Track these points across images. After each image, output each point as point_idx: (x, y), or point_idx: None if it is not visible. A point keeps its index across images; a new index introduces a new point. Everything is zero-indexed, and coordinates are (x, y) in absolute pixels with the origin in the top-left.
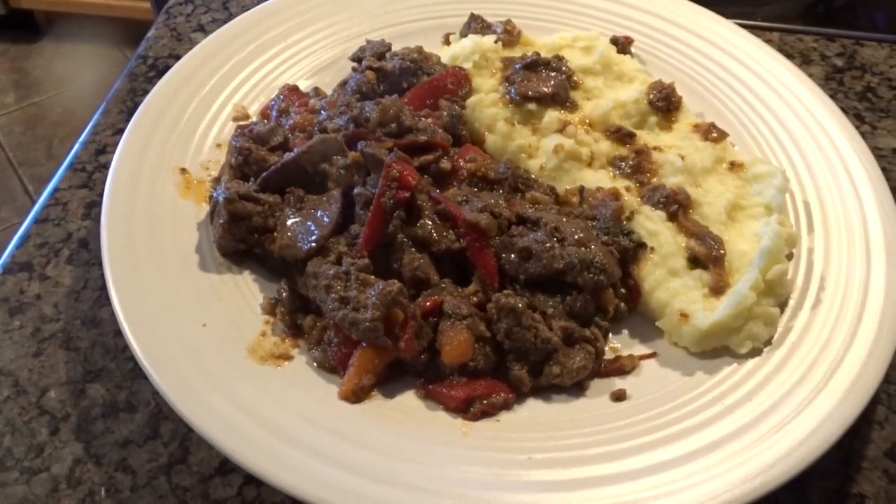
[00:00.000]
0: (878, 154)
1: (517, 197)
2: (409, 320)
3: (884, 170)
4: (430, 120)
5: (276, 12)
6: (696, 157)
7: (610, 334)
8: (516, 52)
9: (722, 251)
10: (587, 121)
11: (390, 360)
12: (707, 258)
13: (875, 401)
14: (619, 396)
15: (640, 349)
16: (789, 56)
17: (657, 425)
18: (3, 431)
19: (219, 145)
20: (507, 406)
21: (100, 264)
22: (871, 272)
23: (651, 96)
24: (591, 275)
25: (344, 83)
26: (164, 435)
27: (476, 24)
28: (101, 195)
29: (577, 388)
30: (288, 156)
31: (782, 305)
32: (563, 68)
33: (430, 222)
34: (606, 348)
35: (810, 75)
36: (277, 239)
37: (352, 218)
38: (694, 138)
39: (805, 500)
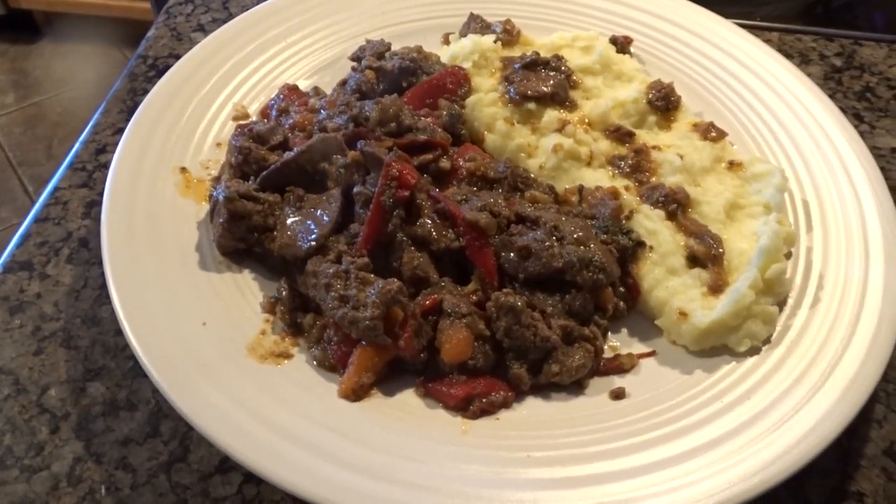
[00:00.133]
0: (877, 153)
1: (516, 196)
2: (409, 319)
3: (882, 169)
4: (429, 119)
5: (276, 12)
6: (695, 157)
7: (609, 333)
8: (516, 52)
9: (721, 250)
10: (586, 120)
11: (390, 359)
12: (706, 257)
13: (873, 399)
14: (618, 395)
15: (639, 347)
16: (788, 56)
17: (656, 423)
18: (4, 430)
19: (219, 144)
20: (506, 404)
21: (100, 263)
22: (869, 271)
23: (650, 96)
24: (591, 273)
25: (344, 83)
26: (164, 433)
27: (475, 24)
28: (101, 194)
29: (576, 387)
30: (288, 155)
31: (781, 304)
32: (563, 68)
33: (429, 221)
34: (605, 347)
35: (809, 75)
36: (277, 238)
37: (351, 217)
38: (693, 137)
39: (804, 497)
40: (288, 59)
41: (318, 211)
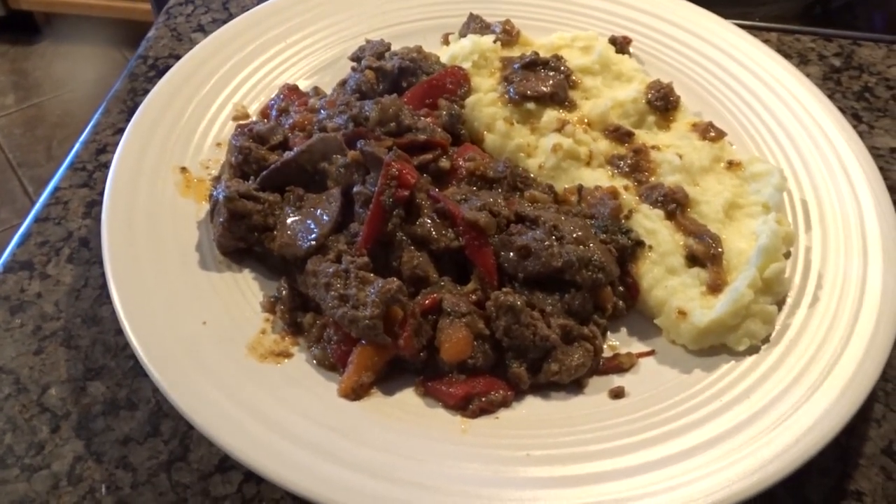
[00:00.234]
0: (876, 153)
1: (516, 196)
2: (409, 318)
3: (881, 169)
4: (429, 119)
5: (276, 12)
6: (694, 156)
7: (608, 332)
8: (515, 52)
9: (720, 249)
10: (586, 120)
11: (389, 358)
12: (705, 256)
13: (872, 398)
14: (617, 394)
15: (638, 347)
16: (787, 56)
17: (655, 422)
18: (4, 429)
19: (219, 144)
20: (505, 403)
21: (100, 263)
22: (868, 270)
23: (649, 96)
24: (590, 273)
25: (343, 83)
26: (164, 432)
27: (475, 24)
28: (101, 194)
29: (575, 386)
30: (288, 155)
31: (780, 303)
32: (562, 68)
33: (429, 221)
34: (605, 346)
35: (808, 75)
36: (277, 237)
37: (351, 216)
38: (692, 137)
39: (803, 496)
40: (288, 60)
41: (318, 210)
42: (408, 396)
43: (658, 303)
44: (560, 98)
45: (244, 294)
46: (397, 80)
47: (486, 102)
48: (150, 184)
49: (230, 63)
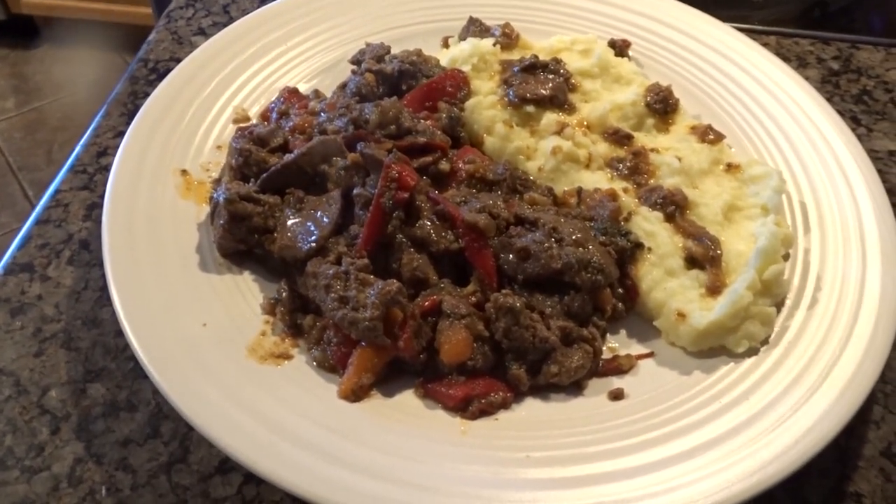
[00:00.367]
0: (874, 156)
1: (515, 198)
2: (408, 320)
3: (879, 171)
4: (429, 122)
5: (276, 16)
6: (693, 159)
7: (608, 334)
8: (514, 55)
9: (719, 251)
10: (585, 123)
11: (389, 360)
12: (704, 258)
13: (871, 400)
14: (616, 395)
15: (637, 349)
16: (786, 59)
17: (654, 424)
18: (5, 431)
19: (219, 147)
20: (505, 405)
21: (101, 265)
22: (866, 272)
23: (648, 99)
24: (589, 275)
25: (343, 85)
26: (164, 434)
27: (475, 28)
28: (102, 197)
29: (574, 388)
30: (288, 157)
31: (779, 305)
32: (561, 71)
33: (428, 223)
34: (604, 348)
35: (807, 78)
36: (277, 239)
37: (351, 218)
38: (691, 140)
39: (802, 498)
40: (288, 63)
41: (318, 212)
42: (407, 398)
43: (657, 305)
44: (559, 101)
45: (244, 296)
46: (397, 83)
47: (485, 105)
48: (150, 186)
49: (231, 66)
